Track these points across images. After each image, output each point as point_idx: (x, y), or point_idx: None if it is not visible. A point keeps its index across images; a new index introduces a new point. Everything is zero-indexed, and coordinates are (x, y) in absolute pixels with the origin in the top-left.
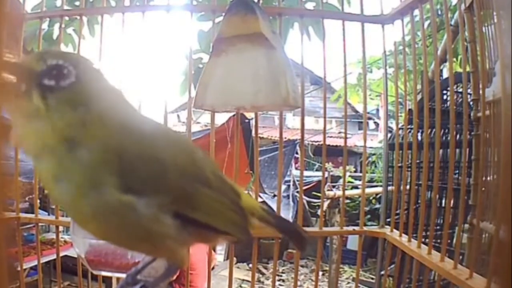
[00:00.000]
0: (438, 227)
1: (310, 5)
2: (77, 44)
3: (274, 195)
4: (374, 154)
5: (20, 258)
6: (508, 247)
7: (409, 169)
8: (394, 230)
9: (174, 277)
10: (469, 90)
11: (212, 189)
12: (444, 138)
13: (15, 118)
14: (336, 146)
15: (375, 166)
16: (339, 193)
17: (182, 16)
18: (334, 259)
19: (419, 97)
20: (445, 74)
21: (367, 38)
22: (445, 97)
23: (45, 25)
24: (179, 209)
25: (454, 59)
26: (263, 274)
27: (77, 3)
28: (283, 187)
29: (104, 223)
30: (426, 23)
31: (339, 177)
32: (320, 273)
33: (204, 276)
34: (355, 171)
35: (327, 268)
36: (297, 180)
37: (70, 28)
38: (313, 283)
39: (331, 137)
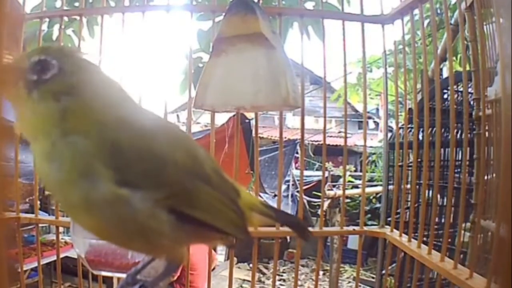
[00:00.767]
0: (438, 227)
1: (310, 5)
2: (76, 44)
3: (275, 195)
4: (374, 154)
5: (21, 259)
6: (508, 247)
7: (410, 168)
8: (394, 230)
9: (175, 277)
10: (469, 89)
11: (212, 186)
12: (444, 137)
13: (15, 110)
14: (336, 145)
15: (375, 166)
16: (339, 192)
17: (182, 16)
18: (334, 258)
19: (419, 96)
20: (445, 73)
21: (367, 37)
22: (445, 96)
23: (45, 26)
24: (176, 206)
25: (454, 58)
26: (263, 274)
27: (76, 3)
28: (283, 186)
29: (95, 216)
30: (426, 22)
31: (339, 177)
32: (321, 272)
33: (204, 276)
34: (355, 171)
35: (328, 268)
36: (297, 180)
37: (70, 29)
38: (314, 282)
39: (331, 136)
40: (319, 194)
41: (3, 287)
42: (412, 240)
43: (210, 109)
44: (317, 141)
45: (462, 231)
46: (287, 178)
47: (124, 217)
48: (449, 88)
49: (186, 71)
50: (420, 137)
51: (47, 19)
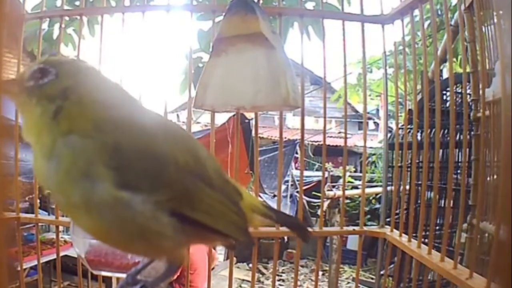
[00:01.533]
0: (438, 227)
1: (310, 5)
2: (77, 44)
3: (274, 195)
4: (374, 154)
5: (20, 258)
6: (508, 247)
7: (409, 169)
8: (394, 230)
9: (175, 277)
10: (469, 91)
11: (214, 188)
12: (444, 138)
13: (21, 117)
14: (336, 146)
15: (375, 166)
16: (339, 193)
17: (182, 16)
18: (334, 259)
19: (419, 97)
20: (445, 74)
21: (367, 38)
22: (445, 97)
23: (45, 25)
24: (177, 208)
25: (454, 59)
26: (263, 274)
27: (77, 3)
28: (283, 187)
29: (96, 218)
30: (426, 23)
31: (339, 177)
32: (320, 273)
33: (204, 276)
34: (355, 171)
35: (327, 268)
36: (297, 180)
37: (70, 28)
38: (313, 283)
39: (331, 137)
40: (318, 194)
41: (3, 286)
42: (412, 240)
43: (210, 109)
44: (317, 141)
45: (461, 232)
46: (286, 179)
47: (124, 220)
48: (449, 89)
49: (186, 71)
50: (420, 138)
51: (47, 19)
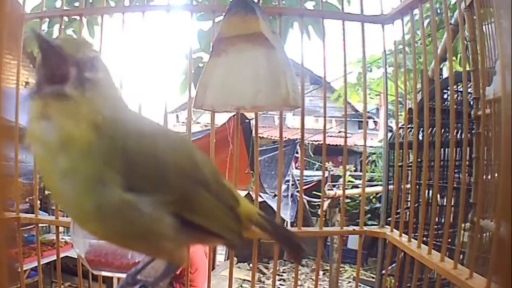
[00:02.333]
0: (438, 226)
1: (310, 5)
2: None
3: (275, 195)
4: (374, 153)
5: (21, 259)
6: (508, 246)
7: (410, 168)
8: (394, 230)
9: (176, 275)
10: (469, 89)
11: (211, 192)
12: (444, 137)
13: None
14: (336, 145)
15: (375, 165)
16: (339, 192)
17: (182, 16)
18: (334, 258)
19: (419, 96)
20: (445, 73)
21: (367, 37)
22: (445, 96)
23: (45, 26)
24: (178, 210)
25: (454, 58)
26: (263, 274)
27: (76, 3)
28: (283, 186)
29: (105, 221)
30: (426, 22)
31: (339, 177)
32: (321, 272)
33: (204, 276)
34: (355, 170)
35: (328, 268)
36: (297, 180)
37: (70, 29)
38: (314, 282)
39: (331, 136)
40: (319, 194)
41: (3, 287)
42: (412, 240)
43: (210, 109)
44: (317, 141)
45: (462, 231)
46: (287, 178)
47: (132, 222)
48: (449, 88)
49: (186, 71)
50: (420, 137)
51: (47, 19)
